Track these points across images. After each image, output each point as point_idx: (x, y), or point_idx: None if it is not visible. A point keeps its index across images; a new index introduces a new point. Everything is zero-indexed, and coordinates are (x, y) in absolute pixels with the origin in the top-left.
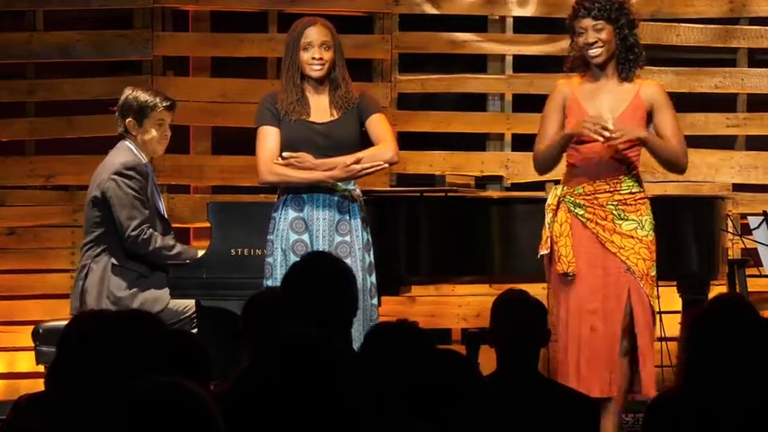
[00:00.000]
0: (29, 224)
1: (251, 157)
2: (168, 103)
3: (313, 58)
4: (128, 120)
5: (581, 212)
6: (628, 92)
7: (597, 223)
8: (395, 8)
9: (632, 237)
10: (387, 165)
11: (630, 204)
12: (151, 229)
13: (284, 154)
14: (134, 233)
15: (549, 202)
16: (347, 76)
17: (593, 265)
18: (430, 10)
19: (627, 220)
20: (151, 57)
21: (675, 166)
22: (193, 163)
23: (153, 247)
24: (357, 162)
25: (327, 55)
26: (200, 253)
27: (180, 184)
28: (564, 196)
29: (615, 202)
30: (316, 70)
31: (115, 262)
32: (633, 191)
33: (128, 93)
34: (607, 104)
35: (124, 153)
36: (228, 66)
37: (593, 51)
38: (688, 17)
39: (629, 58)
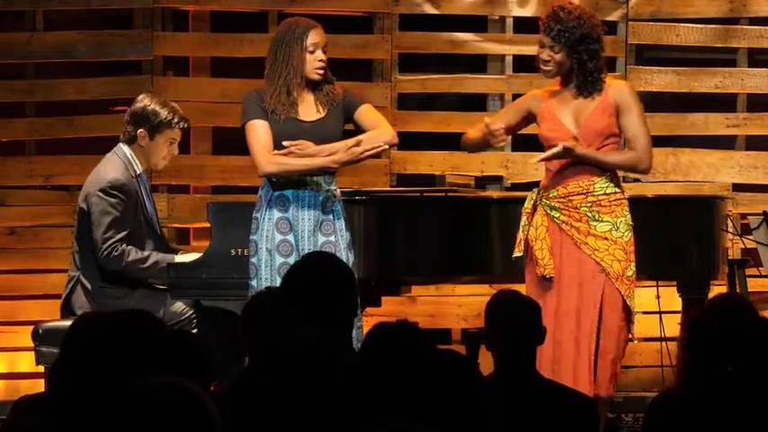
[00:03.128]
0: (29, 224)
1: (251, 158)
2: (185, 125)
3: (320, 61)
4: (140, 130)
5: (557, 215)
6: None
7: (572, 225)
8: (395, 8)
9: (606, 238)
10: (387, 146)
11: (605, 206)
12: (123, 245)
13: (285, 143)
14: (105, 252)
15: (525, 205)
16: (330, 74)
17: (568, 267)
18: (430, 10)
19: (601, 221)
20: (151, 57)
21: (633, 170)
22: (193, 163)
23: (125, 261)
24: (358, 144)
25: (324, 57)
26: (177, 256)
27: (180, 184)
28: (540, 200)
29: (589, 204)
30: (320, 74)
31: (102, 275)
32: (608, 191)
33: (146, 103)
34: (578, 107)
35: (116, 165)
36: (228, 66)
37: (544, 67)
38: (688, 17)
39: (587, 80)
